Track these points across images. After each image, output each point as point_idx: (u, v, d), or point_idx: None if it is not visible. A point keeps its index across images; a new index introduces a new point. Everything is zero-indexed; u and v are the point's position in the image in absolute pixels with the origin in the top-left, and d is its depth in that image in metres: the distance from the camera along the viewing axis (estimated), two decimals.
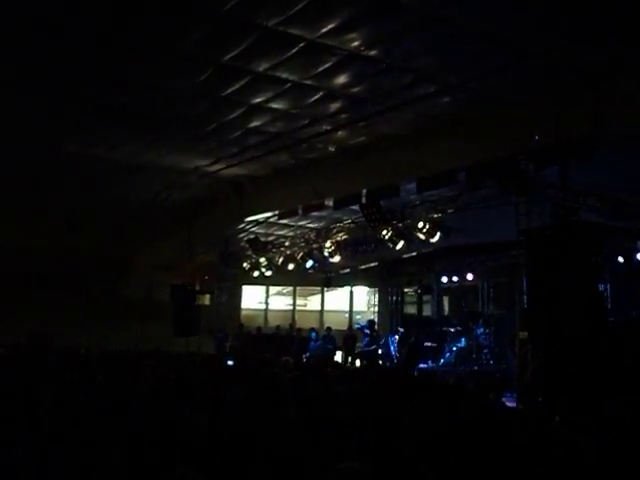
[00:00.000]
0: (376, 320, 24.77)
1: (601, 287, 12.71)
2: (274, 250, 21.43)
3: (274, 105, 12.71)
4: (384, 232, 16.92)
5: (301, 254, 20.50)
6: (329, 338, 22.66)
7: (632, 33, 9.36)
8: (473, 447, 5.67)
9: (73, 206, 19.37)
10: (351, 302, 28.53)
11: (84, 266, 23.88)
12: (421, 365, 19.29)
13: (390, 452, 5.78)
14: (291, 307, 29.16)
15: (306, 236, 20.61)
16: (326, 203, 16.74)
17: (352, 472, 3.72)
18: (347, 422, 6.58)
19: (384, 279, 25.42)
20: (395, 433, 6.21)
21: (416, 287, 24.49)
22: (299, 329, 24.80)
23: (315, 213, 18.16)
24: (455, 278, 21.87)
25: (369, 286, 28.11)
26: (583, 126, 11.13)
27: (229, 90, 11.94)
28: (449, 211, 15.81)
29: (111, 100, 12.61)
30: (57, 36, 10.03)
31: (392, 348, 21.41)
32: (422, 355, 19.75)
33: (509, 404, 10.95)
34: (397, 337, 21.67)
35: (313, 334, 22.81)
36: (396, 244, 17.10)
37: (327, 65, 10.87)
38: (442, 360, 19.70)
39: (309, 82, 11.60)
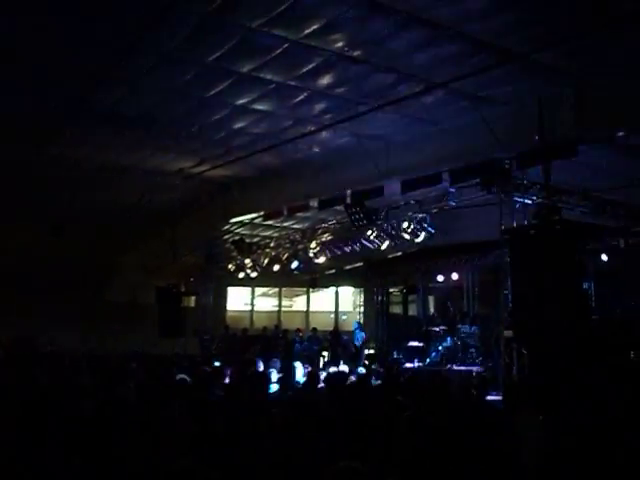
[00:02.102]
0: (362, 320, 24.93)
1: (585, 285, 12.81)
2: (259, 251, 21.40)
3: (258, 106, 12.70)
4: (369, 232, 16.95)
5: (286, 255, 20.50)
6: (314, 339, 22.69)
7: (615, 34, 9.44)
8: (460, 445, 5.69)
9: (57, 208, 19.27)
10: (337, 302, 28.59)
11: (68, 269, 23.77)
12: (407, 365, 19.35)
13: (376, 453, 5.79)
14: (277, 308, 29.19)
15: (291, 237, 20.61)
16: (311, 204, 16.74)
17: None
18: (332, 424, 6.59)
19: (369, 279, 25.47)
20: (381, 434, 6.22)
21: (401, 287, 24.56)
22: (285, 330, 24.82)
23: (300, 214, 18.16)
24: (440, 277, 21.95)
25: (354, 286, 28.18)
26: (566, 127, 11.21)
27: (213, 91, 11.92)
28: (433, 211, 15.87)
29: (94, 102, 12.55)
30: (40, 36, 9.97)
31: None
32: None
33: (495, 402, 11.01)
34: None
35: (297, 337, 22.96)
36: (381, 244, 17.14)
37: (311, 66, 10.88)
38: (428, 359, 19.75)
39: (293, 83, 11.60)
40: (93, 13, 9.30)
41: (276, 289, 29.17)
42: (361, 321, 24.70)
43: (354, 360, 20.21)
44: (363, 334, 22.44)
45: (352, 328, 23.63)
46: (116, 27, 9.72)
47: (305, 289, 28.43)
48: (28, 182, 17.40)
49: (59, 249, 21.90)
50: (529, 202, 13.17)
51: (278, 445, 6.00)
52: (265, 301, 29.80)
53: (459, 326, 19.39)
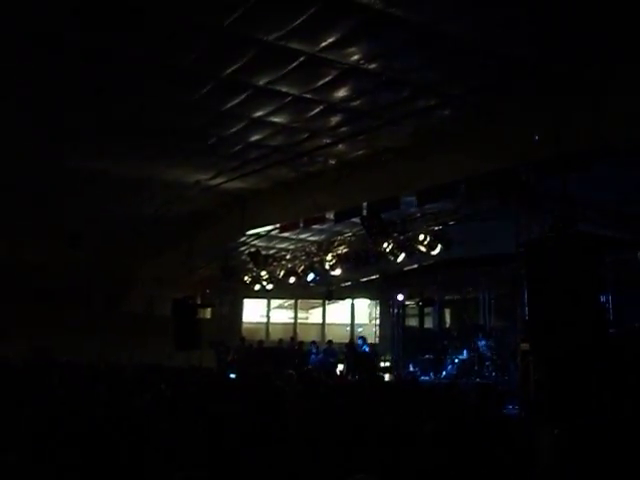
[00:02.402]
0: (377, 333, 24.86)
1: (602, 298, 12.71)
2: (275, 263, 21.42)
3: (274, 119, 12.75)
4: (385, 245, 16.93)
5: (302, 267, 20.50)
6: (330, 351, 22.65)
7: (634, 47, 9.41)
8: (476, 458, 5.66)
9: (74, 220, 19.42)
10: (352, 315, 28.52)
11: (85, 281, 23.92)
12: (423, 377, 19.28)
13: (393, 466, 5.77)
14: (292, 320, 29.15)
15: (307, 249, 20.62)
16: (327, 216, 16.76)
17: None
18: (349, 436, 6.57)
19: (385, 292, 25.41)
20: (398, 446, 6.20)
21: (417, 299, 24.49)
22: (301, 342, 24.77)
23: (316, 226, 18.17)
24: (456, 290, 21.87)
25: (370, 299, 28.12)
26: (583, 139, 11.15)
27: (229, 104, 11.98)
28: (450, 223, 15.83)
29: (112, 115, 12.65)
30: (57, 51, 10.07)
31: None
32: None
33: (511, 416, 10.94)
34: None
35: (314, 349, 22.84)
36: (397, 257, 17.11)
37: (327, 79, 10.91)
38: (444, 372, 19.67)
39: (309, 96, 11.64)
40: (110, 27, 9.39)
41: (292, 301, 29.15)
42: (375, 332, 24.48)
43: (369, 372, 20.16)
44: (366, 347, 22.32)
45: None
46: (132, 40, 9.81)
47: (321, 301, 28.40)
48: (46, 195, 17.54)
49: (76, 261, 22.05)
50: (546, 215, 13.10)
51: (294, 458, 6.00)
52: (281, 313, 29.78)
53: (475, 339, 19.30)
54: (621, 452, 6.22)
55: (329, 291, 25.08)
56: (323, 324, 28.49)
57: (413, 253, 16.78)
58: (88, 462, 5.76)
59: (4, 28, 9.40)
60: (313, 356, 22.48)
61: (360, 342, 22.62)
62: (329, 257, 19.22)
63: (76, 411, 7.70)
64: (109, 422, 7.02)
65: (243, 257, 21.76)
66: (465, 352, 19.38)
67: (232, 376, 17.24)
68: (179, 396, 9.72)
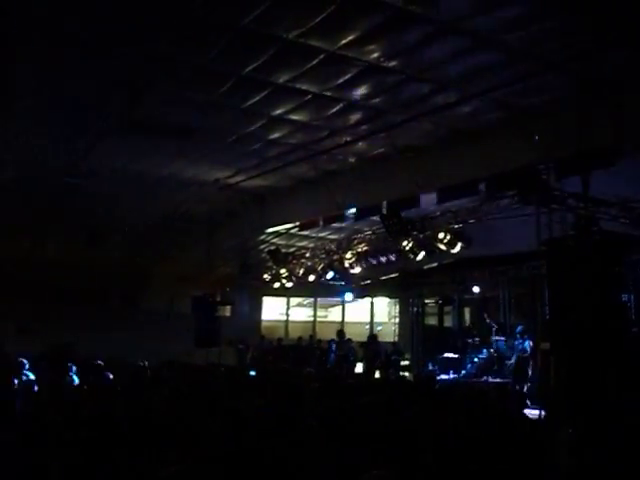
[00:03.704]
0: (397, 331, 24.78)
1: (624, 297, 12.60)
2: (294, 261, 21.42)
3: (294, 117, 12.76)
4: (405, 243, 16.87)
5: (322, 265, 20.48)
6: (349, 349, 22.59)
7: None
8: (495, 458, 5.64)
9: (94, 218, 19.55)
10: (372, 313, 28.50)
11: (105, 278, 24.09)
12: (442, 376, 19.21)
13: (413, 464, 5.76)
14: (312, 318, 29.19)
15: (326, 247, 20.60)
16: (347, 214, 16.75)
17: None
18: (369, 433, 6.56)
19: (405, 290, 25.34)
20: (418, 445, 6.18)
21: (437, 298, 24.39)
22: (320, 340, 24.77)
23: (335, 224, 18.17)
24: (476, 289, 21.75)
25: (390, 297, 28.07)
26: (605, 136, 11.06)
27: (250, 102, 12.00)
28: (470, 221, 15.75)
29: (133, 113, 12.71)
30: (82, 50, 10.13)
31: None
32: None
33: (531, 415, 10.87)
34: None
35: (333, 346, 22.75)
36: (417, 255, 17.04)
37: (347, 76, 10.90)
38: (463, 371, 19.59)
39: (329, 93, 11.64)
40: (131, 25, 9.44)
41: (311, 299, 29.18)
42: (394, 331, 24.41)
43: (387, 370, 20.17)
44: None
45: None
46: (152, 38, 9.84)
47: (340, 299, 28.40)
48: (65, 192, 17.67)
49: (95, 258, 22.21)
50: (567, 213, 13.01)
51: (311, 454, 6.00)
52: (300, 311, 29.83)
53: (495, 338, 19.20)
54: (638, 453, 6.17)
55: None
56: (342, 322, 28.48)
57: (433, 251, 16.70)
58: (103, 455, 5.80)
59: (34, 28, 9.47)
60: (332, 354, 22.42)
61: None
62: (348, 255, 19.18)
63: (96, 406, 7.76)
64: (127, 416, 7.06)
65: (263, 255, 21.81)
66: (485, 351, 19.28)
67: (252, 373, 17.26)
68: (198, 392, 9.75)
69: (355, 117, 12.74)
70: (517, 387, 16.29)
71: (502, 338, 18.99)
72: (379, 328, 27.97)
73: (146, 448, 6.16)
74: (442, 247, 16.22)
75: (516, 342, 17.71)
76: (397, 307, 27.53)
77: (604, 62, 10.03)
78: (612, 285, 11.27)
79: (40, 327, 21.69)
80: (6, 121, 13.15)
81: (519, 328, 17.92)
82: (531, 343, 17.05)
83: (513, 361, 17.48)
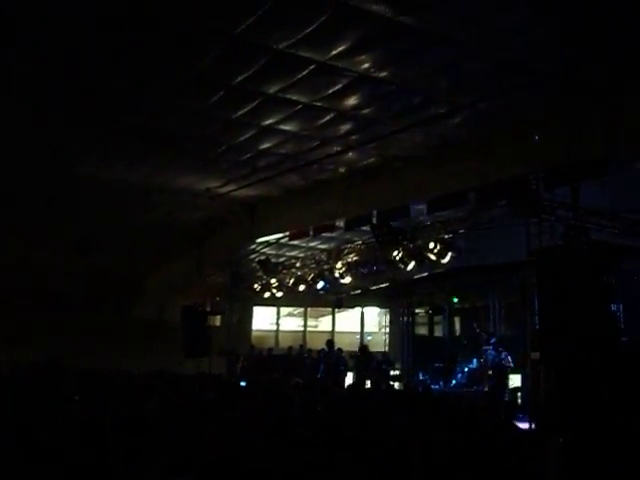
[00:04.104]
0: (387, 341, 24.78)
1: (614, 307, 12.64)
2: (285, 271, 21.40)
3: (285, 127, 12.78)
4: (395, 253, 16.88)
5: (312, 275, 20.47)
6: (340, 359, 22.55)
7: None
8: (485, 468, 5.64)
9: (86, 226, 19.50)
10: (362, 323, 28.48)
11: (97, 287, 24.02)
12: (432, 386, 19.19)
13: (403, 473, 5.75)
14: (302, 328, 29.13)
15: (317, 257, 20.59)
16: (337, 224, 16.76)
17: None
18: (359, 443, 6.55)
19: (395, 300, 25.34)
20: (407, 454, 6.18)
21: (427, 308, 24.40)
22: (310, 350, 24.73)
23: (326, 234, 18.18)
24: (466, 299, 21.80)
25: (380, 307, 28.07)
26: (596, 145, 11.12)
27: (240, 112, 12.03)
28: (460, 231, 15.78)
29: (124, 122, 12.71)
30: (72, 58, 10.14)
31: None
32: None
33: (521, 425, 10.87)
34: None
35: (323, 356, 22.71)
36: (407, 265, 17.05)
37: (337, 87, 10.94)
38: (454, 381, 19.59)
39: (319, 104, 11.67)
40: (123, 34, 9.45)
41: (301, 309, 29.14)
42: (385, 341, 24.37)
43: (378, 380, 20.13)
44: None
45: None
46: (144, 47, 9.86)
47: (330, 309, 28.37)
48: (57, 200, 17.62)
49: (87, 267, 22.14)
50: (557, 223, 13.05)
51: (301, 464, 5.98)
52: (290, 321, 29.77)
53: (485, 347, 19.21)
54: (630, 463, 6.18)
55: (339, 299, 25.04)
56: (333, 332, 28.43)
57: (423, 261, 16.72)
58: (92, 466, 5.77)
59: (21, 37, 9.47)
60: (322, 364, 22.37)
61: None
62: (339, 265, 19.18)
63: (84, 416, 7.71)
64: (114, 427, 7.02)
65: (253, 265, 21.78)
66: (475, 361, 19.28)
67: (242, 384, 17.20)
68: (187, 402, 9.71)
69: (345, 127, 12.77)
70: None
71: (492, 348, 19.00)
72: (369, 338, 27.96)
73: (135, 457, 6.13)
74: (432, 257, 16.25)
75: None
76: (387, 317, 27.52)
77: (594, 72, 10.09)
78: (601, 295, 11.29)
79: (28, 336, 21.58)
80: None
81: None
82: (508, 356, 17.00)
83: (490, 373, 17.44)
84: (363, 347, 23.29)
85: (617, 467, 6.29)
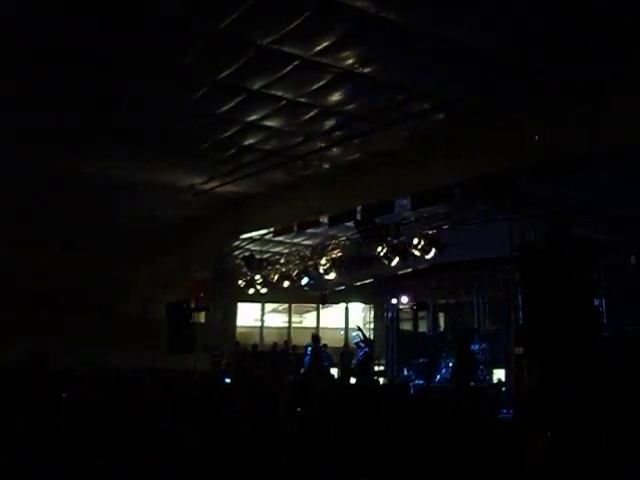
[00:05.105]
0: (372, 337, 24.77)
1: (596, 302, 12.74)
2: (269, 267, 21.41)
3: (269, 123, 12.75)
4: (379, 249, 16.92)
5: (296, 271, 20.48)
6: (324, 355, 22.61)
7: (629, 48, 9.43)
8: (469, 462, 5.67)
9: (70, 224, 19.39)
10: (347, 319, 28.54)
11: (81, 284, 23.88)
12: (417, 382, 19.28)
13: (387, 469, 5.77)
14: (287, 324, 29.17)
15: (301, 253, 20.61)
16: (321, 220, 16.76)
17: None
18: (344, 439, 6.57)
19: (379, 296, 25.41)
20: (392, 450, 6.20)
21: (411, 303, 24.50)
22: (295, 346, 24.75)
23: (310, 230, 18.17)
24: (450, 294, 21.90)
25: (364, 302, 28.13)
26: (579, 143, 11.17)
27: (224, 108, 11.98)
28: (444, 227, 15.84)
29: (107, 118, 12.63)
30: (54, 54, 10.05)
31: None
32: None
33: (505, 419, 10.95)
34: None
35: (309, 349, 22.72)
36: (391, 261, 17.10)
37: (321, 83, 10.91)
38: (438, 376, 19.67)
39: (303, 100, 11.64)
40: (105, 30, 9.39)
41: (286, 305, 29.16)
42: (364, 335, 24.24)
43: (362, 376, 20.18)
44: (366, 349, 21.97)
45: (354, 341, 23.37)
46: (127, 43, 9.80)
47: (315, 305, 28.41)
48: (42, 197, 17.52)
49: (71, 264, 22.02)
50: (539, 219, 13.12)
51: (291, 463, 5.99)
52: (275, 317, 29.80)
53: (469, 343, 19.29)
54: (613, 455, 6.23)
55: (323, 295, 25.08)
56: (317, 328, 28.48)
57: (407, 257, 16.77)
58: (81, 465, 5.76)
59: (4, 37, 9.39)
60: (307, 359, 22.40)
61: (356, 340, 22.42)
62: (323, 261, 19.20)
63: (71, 414, 7.69)
64: (102, 425, 7.01)
65: (237, 261, 21.76)
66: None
67: (227, 380, 17.21)
68: (173, 400, 9.69)
69: (329, 123, 12.75)
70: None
71: (477, 343, 19.12)
72: (354, 334, 28.03)
73: (122, 452, 6.12)
74: (416, 253, 16.30)
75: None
76: (372, 312, 27.58)
77: (579, 69, 10.13)
78: (584, 290, 11.39)
79: (14, 334, 21.43)
80: None
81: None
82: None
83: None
84: (347, 344, 23.41)
85: (600, 459, 6.35)
